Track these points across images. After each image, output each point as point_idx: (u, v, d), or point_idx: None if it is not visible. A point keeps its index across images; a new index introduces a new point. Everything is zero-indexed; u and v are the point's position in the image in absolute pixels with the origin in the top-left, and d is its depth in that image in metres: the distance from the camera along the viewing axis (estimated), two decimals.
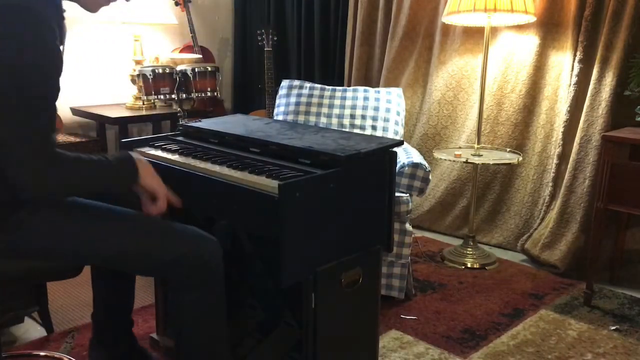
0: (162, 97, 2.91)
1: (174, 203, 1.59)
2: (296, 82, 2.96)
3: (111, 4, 1.53)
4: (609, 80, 2.75)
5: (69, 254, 1.46)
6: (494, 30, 3.17)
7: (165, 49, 4.18)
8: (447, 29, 3.38)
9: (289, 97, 2.92)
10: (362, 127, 2.79)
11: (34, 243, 1.42)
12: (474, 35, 3.27)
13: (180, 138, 2.04)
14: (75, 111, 3.70)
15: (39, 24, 1.26)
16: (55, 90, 1.33)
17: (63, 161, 1.32)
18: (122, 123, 3.46)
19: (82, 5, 1.49)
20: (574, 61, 2.93)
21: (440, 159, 3.01)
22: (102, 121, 3.60)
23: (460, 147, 3.27)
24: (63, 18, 1.43)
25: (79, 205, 1.49)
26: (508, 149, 3.13)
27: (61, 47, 1.41)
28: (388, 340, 2.21)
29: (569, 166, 2.91)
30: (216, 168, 1.69)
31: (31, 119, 1.27)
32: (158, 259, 1.48)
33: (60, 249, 1.45)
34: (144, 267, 1.52)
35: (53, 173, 1.31)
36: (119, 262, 1.51)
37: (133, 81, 3.62)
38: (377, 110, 2.80)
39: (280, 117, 2.91)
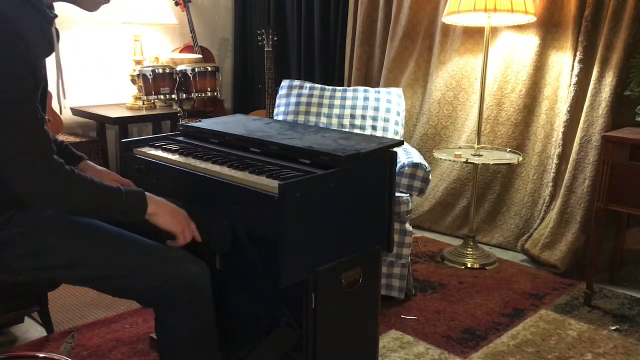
0: (162, 97, 2.92)
1: (196, 238, 1.52)
2: (296, 82, 2.96)
3: (111, 2, 1.51)
4: (609, 80, 2.75)
5: (45, 273, 1.42)
6: (494, 30, 3.17)
7: (165, 49, 4.18)
8: (447, 29, 3.38)
9: (289, 97, 2.92)
10: (362, 127, 2.79)
11: (11, 258, 1.37)
12: (474, 35, 3.27)
13: (180, 138, 2.04)
14: (75, 111, 3.70)
15: (12, 36, 1.20)
16: (33, 93, 1.26)
17: (65, 175, 1.28)
18: (122, 123, 3.46)
19: (80, 6, 1.44)
20: (574, 61, 2.93)
21: (440, 159, 3.01)
22: (102, 121, 3.61)
23: (460, 147, 3.27)
24: (51, 25, 1.37)
25: (60, 223, 1.41)
26: (508, 149, 3.13)
27: (53, 54, 1.37)
28: (388, 340, 2.21)
29: (569, 166, 2.91)
30: (216, 168, 1.69)
31: (23, 128, 1.22)
32: (140, 283, 1.42)
33: (37, 268, 1.40)
34: (126, 291, 1.46)
35: (54, 186, 1.27)
36: (98, 285, 1.45)
37: (133, 81, 3.62)
38: (377, 110, 2.80)
39: (280, 117, 2.91)
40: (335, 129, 2.43)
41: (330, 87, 2.91)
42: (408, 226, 2.40)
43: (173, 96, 2.93)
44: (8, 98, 1.21)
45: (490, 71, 3.17)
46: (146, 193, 1.43)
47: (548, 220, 3.02)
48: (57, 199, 1.30)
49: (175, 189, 1.81)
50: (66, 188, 1.29)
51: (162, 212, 1.44)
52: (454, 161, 3.08)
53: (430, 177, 2.43)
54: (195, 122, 2.12)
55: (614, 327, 2.33)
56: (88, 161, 1.67)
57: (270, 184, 1.50)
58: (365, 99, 2.83)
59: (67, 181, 1.29)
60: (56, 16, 1.39)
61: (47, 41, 1.35)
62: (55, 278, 1.47)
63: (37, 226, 1.37)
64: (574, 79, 2.90)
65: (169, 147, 1.90)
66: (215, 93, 3.04)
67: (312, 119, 2.84)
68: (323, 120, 2.83)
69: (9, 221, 1.36)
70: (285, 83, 2.99)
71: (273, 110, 3.02)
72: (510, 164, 2.99)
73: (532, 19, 2.84)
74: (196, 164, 1.71)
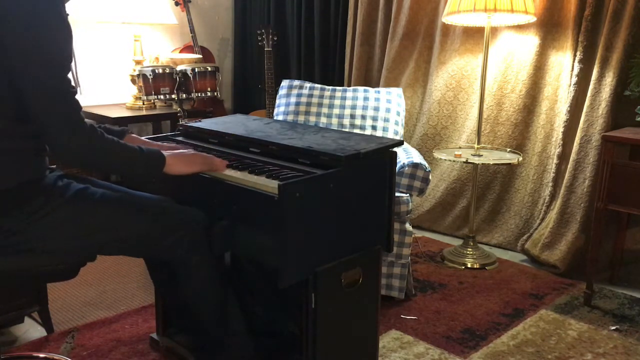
0: (162, 97, 2.92)
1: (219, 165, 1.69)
2: (296, 82, 2.96)
3: (111, 2, 1.58)
4: (609, 80, 2.74)
5: (81, 242, 1.54)
6: (494, 30, 3.17)
7: (165, 49, 4.18)
8: (447, 29, 3.38)
9: (289, 97, 2.92)
10: (362, 127, 2.78)
11: (42, 233, 1.48)
12: (474, 35, 3.27)
13: (180, 138, 2.04)
14: None
15: (55, 2, 1.39)
16: (70, 59, 1.44)
17: (92, 135, 1.45)
18: (122, 123, 3.45)
19: None
20: (574, 61, 2.93)
21: (440, 159, 3.01)
22: (102, 121, 3.60)
23: (460, 147, 3.27)
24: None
25: (85, 197, 1.56)
26: (508, 149, 3.13)
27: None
28: (388, 340, 2.21)
29: (569, 166, 2.91)
30: None
31: (57, 85, 1.40)
32: (166, 236, 1.59)
33: (70, 237, 1.52)
34: (153, 247, 1.61)
35: (81, 142, 1.43)
36: (126, 247, 1.60)
37: (133, 81, 3.62)
38: (377, 110, 2.80)
39: (280, 117, 2.91)
40: (335, 129, 2.43)
41: (330, 87, 2.91)
42: (408, 226, 2.40)
43: (173, 96, 2.92)
44: (61, 73, 1.40)
45: (490, 71, 3.17)
46: (163, 151, 1.61)
47: (548, 220, 3.02)
48: (89, 157, 1.47)
49: (175, 189, 1.81)
50: (97, 148, 1.46)
51: (175, 162, 1.60)
52: (454, 161, 3.08)
53: (430, 177, 2.43)
54: (195, 122, 2.12)
55: (614, 327, 2.33)
56: (132, 134, 1.84)
57: (270, 184, 1.50)
58: (365, 99, 2.83)
59: (99, 142, 1.46)
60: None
61: None
62: (86, 248, 1.57)
63: (64, 202, 1.50)
64: (574, 79, 2.90)
65: None
66: (215, 93, 3.04)
67: (312, 119, 2.84)
68: (323, 120, 2.83)
69: (48, 198, 1.48)
70: (285, 83, 2.99)
71: (273, 110, 3.01)
72: (510, 164, 2.99)
73: (532, 19, 2.84)
74: None
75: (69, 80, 1.44)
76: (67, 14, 1.43)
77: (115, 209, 1.57)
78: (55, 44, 1.38)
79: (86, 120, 1.46)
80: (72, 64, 1.48)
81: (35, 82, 1.37)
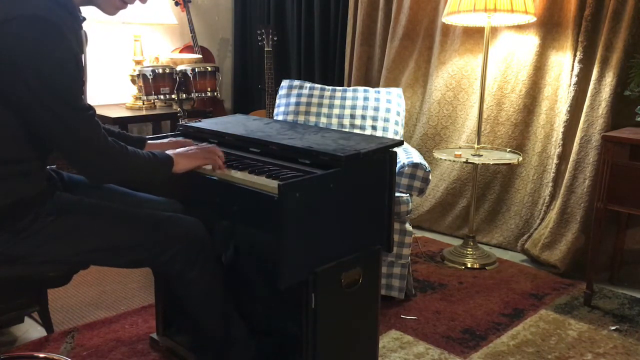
0: (162, 97, 2.92)
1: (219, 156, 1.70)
2: (296, 82, 2.96)
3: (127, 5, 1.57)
4: (609, 80, 2.74)
5: (79, 256, 1.53)
6: (494, 30, 3.17)
7: (165, 49, 4.18)
8: (447, 29, 3.38)
9: (289, 97, 2.92)
10: (362, 127, 2.78)
11: (33, 249, 1.46)
12: (474, 35, 3.27)
13: (180, 138, 2.04)
14: None
15: (59, 34, 1.33)
16: (81, 86, 1.43)
17: (115, 153, 1.47)
18: (122, 123, 3.46)
19: (98, 8, 1.54)
20: (574, 61, 2.93)
21: (440, 159, 3.01)
22: (102, 121, 3.59)
23: (460, 147, 3.27)
24: (81, 27, 1.48)
25: (81, 208, 1.55)
26: (508, 149, 3.13)
27: (82, 56, 1.46)
28: (388, 340, 2.21)
29: (569, 166, 2.91)
30: None
31: (74, 115, 1.39)
32: (162, 250, 1.56)
33: (68, 251, 1.50)
34: (147, 260, 1.59)
35: (105, 163, 1.47)
36: (116, 263, 1.57)
37: (133, 81, 3.62)
38: (377, 110, 2.80)
39: (280, 117, 2.91)
40: (335, 129, 2.43)
41: (330, 87, 2.91)
42: (408, 226, 2.40)
43: (173, 96, 2.93)
44: (70, 95, 1.37)
45: (490, 71, 3.17)
46: (168, 152, 1.63)
47: (548, 220, 3.02)
48: (114, 178, 1.56)
49: (175, 189, 1.81)
50: (121, 169, 1.50)
51: (180, 160, 1.62)
52: (454, 161, 3.08)
53: (430, 177, 2.43)
54: (195, 122, 2.12)
55: (614, 327, 2.33)
56: (149, 141, 1.84)
57: (270, 184, 1.50)
58: (365, 99, 2.83)
59: (123, 163, 1.49)
60: (84, 19, 1.50)
61: (78, 43, 1.44)
62: (77, 261, 1.56)
63: (55, 218, 1.48)
64: (574, 79, 2.90)
65: None
66: (215, 93, 3.04)
67: (312, 119, 2.84)
68: (323, 120, 2.83)
69: (39, 214, 1.46)
70: (285, 83, 2.99)
71: (273, 110, 3.01)
72: (510, 164, 2.99)
73: (532, 19, 2.84)
74: None
75: (86, 106, 1.42)
76: (77, 51, 1.39)
77: (108, 224, 1.53)
78: (67, 80, 1.35)
79: (106, 127, 1.49)
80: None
81: (54, 120, 1.36)
